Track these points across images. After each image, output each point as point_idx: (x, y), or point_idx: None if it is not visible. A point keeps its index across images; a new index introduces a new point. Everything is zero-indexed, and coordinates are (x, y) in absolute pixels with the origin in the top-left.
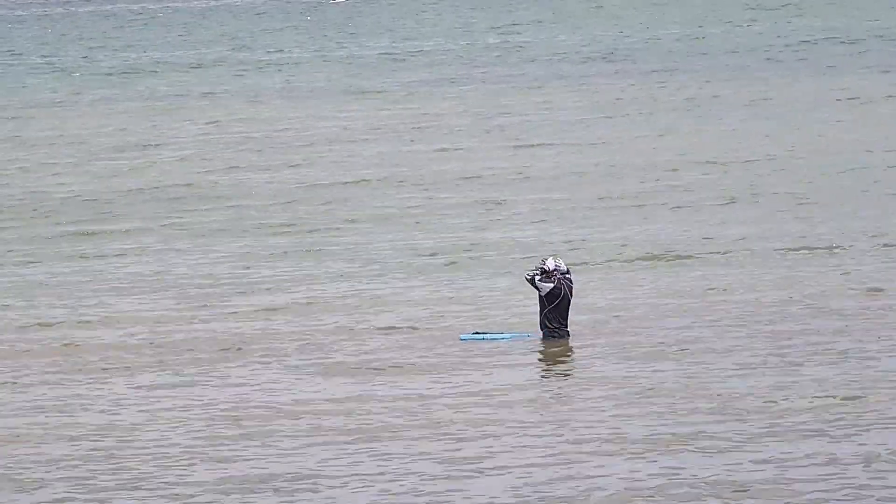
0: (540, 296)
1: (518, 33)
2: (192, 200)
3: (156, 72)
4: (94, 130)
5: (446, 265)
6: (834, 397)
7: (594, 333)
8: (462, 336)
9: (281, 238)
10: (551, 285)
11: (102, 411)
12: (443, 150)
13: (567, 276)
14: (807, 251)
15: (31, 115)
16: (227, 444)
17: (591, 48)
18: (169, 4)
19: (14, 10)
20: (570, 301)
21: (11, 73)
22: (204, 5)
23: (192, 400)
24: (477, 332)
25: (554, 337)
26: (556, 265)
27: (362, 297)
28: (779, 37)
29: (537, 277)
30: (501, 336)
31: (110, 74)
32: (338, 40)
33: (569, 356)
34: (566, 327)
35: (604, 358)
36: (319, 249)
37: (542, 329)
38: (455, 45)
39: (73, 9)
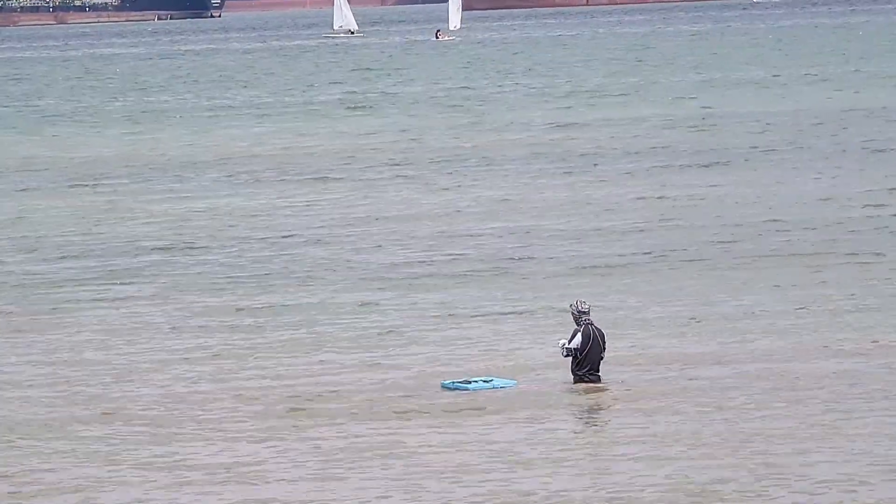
0: (576, 350)
1: None
2: None
3: None
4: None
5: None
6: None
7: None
8: (444, 382)
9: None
10: (580, 337)
11: None
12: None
13: (589, 318)
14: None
15: None
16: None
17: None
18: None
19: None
20: (601, 345)
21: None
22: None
23: None
24: (466, 381)
25: (584, 381)
26: (579, 309)
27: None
28: None
29: (571, 343)
30: (485, 383)
31: None
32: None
33: (597, 404)
34: (598, 371)
35: (635, 404)
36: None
37: (573, 374)
38: None
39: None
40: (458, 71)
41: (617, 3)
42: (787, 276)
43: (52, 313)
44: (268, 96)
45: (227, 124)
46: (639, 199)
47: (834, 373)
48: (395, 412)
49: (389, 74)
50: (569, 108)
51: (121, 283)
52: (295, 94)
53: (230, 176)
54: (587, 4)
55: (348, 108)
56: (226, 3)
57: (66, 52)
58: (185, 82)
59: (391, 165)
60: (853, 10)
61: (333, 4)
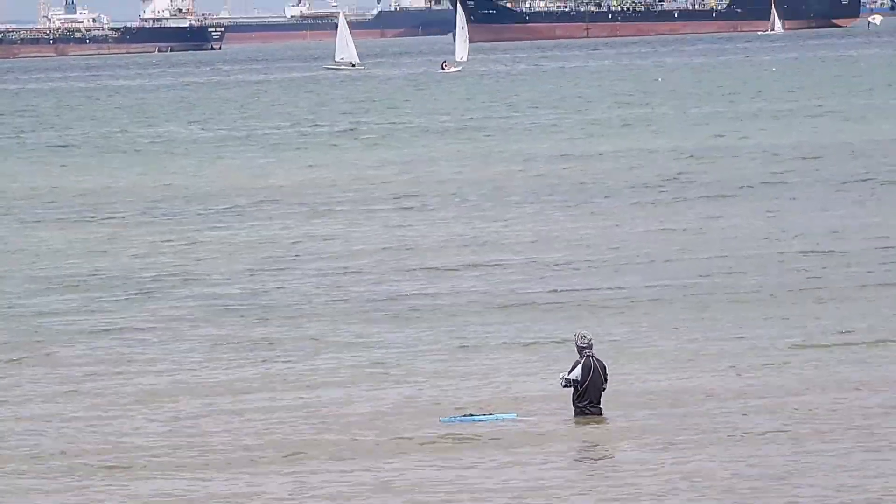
0: (576, 381)
1: None
2: None
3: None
4: None
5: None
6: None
7: (628, 413)
8: (443, 419)
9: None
10: (580, 369)
11: None
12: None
13: (591, 351)
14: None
15: None
16: None
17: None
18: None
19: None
20: (602, 377)
21: None
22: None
23: None
24: (469, 415)
25: (585, 414)
26: (579, 344)
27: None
28: None
29: (571, 374)
30: (487, 418)
31: None
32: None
33: (595, 438)
34: (598, 404)
35: (636, 439)
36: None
37: (574, 406)
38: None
39: None
40: (465, 102)
41: (617, 36)
42: (791, 309)
43: (54, 345)
44: (273, 128)
45: (232, 155)
46: (644, 231)
47: (838, 407)
48: (393, 446)
49: (397, 106)
50: (575, 139)
51: (122, 315)
52: (301, 126)
53: (234, 207)
54: (587, 36)
55: (354, 139)
56: (226, 35)
57: (69, 84)
58: (190, 113)
59: (396, 197)
60: (856, 41)
61: (336, 36)
